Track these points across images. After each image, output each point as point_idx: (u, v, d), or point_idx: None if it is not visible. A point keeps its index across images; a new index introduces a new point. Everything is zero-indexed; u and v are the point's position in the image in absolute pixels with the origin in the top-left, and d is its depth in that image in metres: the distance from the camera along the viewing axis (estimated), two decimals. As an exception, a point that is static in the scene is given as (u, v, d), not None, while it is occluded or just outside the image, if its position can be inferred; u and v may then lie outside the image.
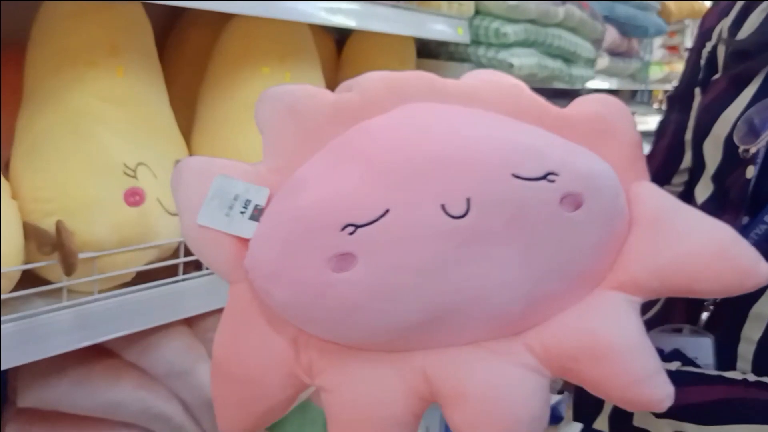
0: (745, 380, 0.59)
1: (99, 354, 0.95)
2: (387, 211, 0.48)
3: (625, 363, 0.50)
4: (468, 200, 0.49)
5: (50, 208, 0.81)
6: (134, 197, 0.85)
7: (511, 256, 0.50)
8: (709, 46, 0.73)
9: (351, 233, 0.48)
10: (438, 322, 0.50)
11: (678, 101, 0.77)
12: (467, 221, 0.49)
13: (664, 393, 0.50)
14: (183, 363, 0.97)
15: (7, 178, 0.84)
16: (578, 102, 0.59)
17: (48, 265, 0.81)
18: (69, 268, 0.78)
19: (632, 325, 0.52)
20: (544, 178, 0.50)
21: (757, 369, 0.61)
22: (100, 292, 0.86)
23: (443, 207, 0.49)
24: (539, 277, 0.51)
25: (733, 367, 0.63)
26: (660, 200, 0.56)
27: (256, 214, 0.52)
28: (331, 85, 1.23)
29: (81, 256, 0.80)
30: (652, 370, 0.50)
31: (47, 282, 0.83)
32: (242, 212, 0.52)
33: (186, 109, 1.06)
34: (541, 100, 0.57)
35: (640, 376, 0.50)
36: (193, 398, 0.98)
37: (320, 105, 0.55)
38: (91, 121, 0.85)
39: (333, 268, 0.48)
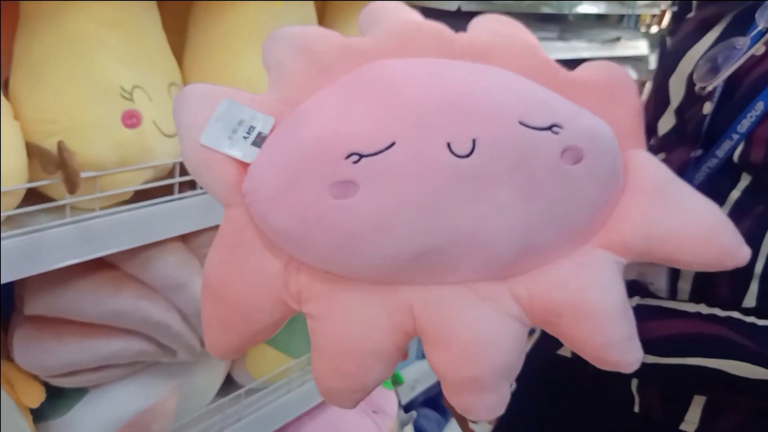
0: (698, 313, 0.63)
1: (101, 266, 0.99)
2: (393, 143, 0.49)
3: (605, 325, 0.51)
4: (474, 141, 0.49)
5: (52, 129, 0.84)
6: (131, 119, 0.88)
7: (510, 201, 0.51)
8: None
9: (355, 162, 0.48)
10: (431, 258, 0.50)
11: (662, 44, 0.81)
12: (471, 161, 0.49)
13: (634, 357, 0.52)
14: (180, 276, 1.03)
15: (7, 99, 0.86)
16: (586, 66, 0.60)
17: (52, 183, 0.85)
18: (72, 186, 0.82)
19: (617, 288, 0.53)
20: (549, 128, 0.51)
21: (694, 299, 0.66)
22: (101, 209, 0.89)
23: (449, 145, 0.49)
24: (535, 226, 0.52)
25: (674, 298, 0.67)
26: (658, 171, 0.57)
27: (259, 141, 0.52)
28: (320, 9, 1.25)
29: (83, 175, 0.83)
30: (628, 335, 0.52)
31: (51, 199, 0.87)
32: (245, 137, 0.52)
33: (178, 32, 1.07)
34: (552, 62, 0.59)
35: (615, 339, 0.51)
36: (190, 308, 1.04)
37: (332, 43, 0.56)
38: (88, 44, 0.87)
39: (334, 194, 0.48)
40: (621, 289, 0.53)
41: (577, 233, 0.54)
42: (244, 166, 0.52)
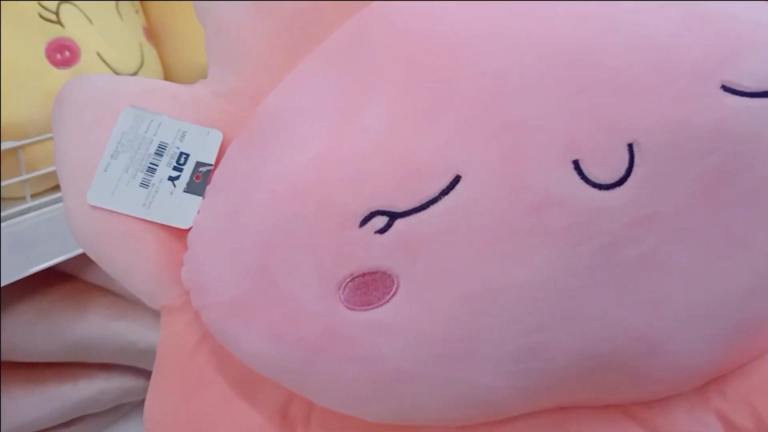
0: None
1: (53, 280, 0.76)
2: (457, 179, 0.28)
3: None
4: (630, 147, 0.28)
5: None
6: (62, 53, 0.64)
7: (706, 255, 0.30)
8: None
9: (382, 230, 0.28)
10: (555, 390, 0.31)
11: None
12: (628, 193, 0.28)
13: None
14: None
15: None
16: None
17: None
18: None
19: None
20: None
21: None
22: (33, 197, 0.65)
23: (577, 165, 0.28)
24: (753, 290, 0.31)
25: None
26: None
27: (199, 182, 0.34)
28: None
29: (-2, 146, 0.58)
30: None
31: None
32: (172, 178, 0.34)
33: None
34: None
35: None
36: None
37: None
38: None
39: (349, 299, 0.29)
40: None
41: None
42: (180, 233, 0.34)
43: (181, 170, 0.34)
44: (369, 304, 0.29)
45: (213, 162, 0.34)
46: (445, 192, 0.28)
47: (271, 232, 0.30)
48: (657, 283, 0.29)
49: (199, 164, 0.34)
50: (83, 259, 0.70)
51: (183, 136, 0.34)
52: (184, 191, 0.34)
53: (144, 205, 0.34)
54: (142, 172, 0.34)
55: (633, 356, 0.31)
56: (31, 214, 0.63)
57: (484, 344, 0.29)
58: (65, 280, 0.77)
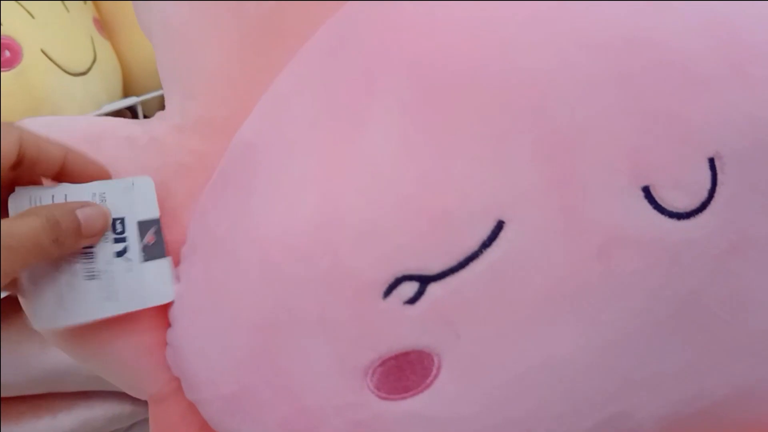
0: None
1: (19, 307, 0.68)
2: (499, 225, 0.22)
3: None
4: (711, 162, 0.23)
5: None
6: (1, 53, 0.58)
7: None
8: None
9: (412, 299, 0.22)
10: None
11: None
12: (712, 219, 0.23)
13: None
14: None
15: None
16: None
17: None
18: None
19: None
20: None
21: None
22: None
23: (647, 192, 0.23)
24: None
25: None
26: None
27: (155, 243, 0.27)
28: None
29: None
30: None
31: None
32: (121, 253, 0.26)
33: None
34: None
35: None
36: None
37: None
38: None
39: (380, 386, 0.23)
40: None
41: None
42: (160, 311, 0.28)
43: (124, 239, 0.27)
44: (406, 391, 0.23)
45: (158, 215, 0.27)
46: (487, 243, 0.22)
47: (270, 309, 0.24)
48: (754, 324, 0.24)
49: (142, 224, 0.27)
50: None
51: (103, 198, 0.27)
52: (144, 261, 0.27)
53: (107, 299, 0.27)
54: (79, 263, 0.26)
55: (726, 408, 0.26)
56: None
57: (553, 424, 0.23)
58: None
